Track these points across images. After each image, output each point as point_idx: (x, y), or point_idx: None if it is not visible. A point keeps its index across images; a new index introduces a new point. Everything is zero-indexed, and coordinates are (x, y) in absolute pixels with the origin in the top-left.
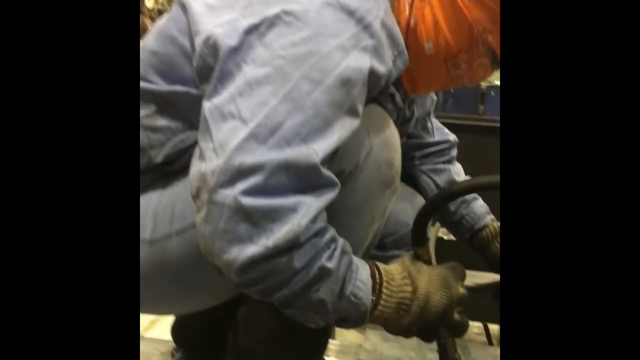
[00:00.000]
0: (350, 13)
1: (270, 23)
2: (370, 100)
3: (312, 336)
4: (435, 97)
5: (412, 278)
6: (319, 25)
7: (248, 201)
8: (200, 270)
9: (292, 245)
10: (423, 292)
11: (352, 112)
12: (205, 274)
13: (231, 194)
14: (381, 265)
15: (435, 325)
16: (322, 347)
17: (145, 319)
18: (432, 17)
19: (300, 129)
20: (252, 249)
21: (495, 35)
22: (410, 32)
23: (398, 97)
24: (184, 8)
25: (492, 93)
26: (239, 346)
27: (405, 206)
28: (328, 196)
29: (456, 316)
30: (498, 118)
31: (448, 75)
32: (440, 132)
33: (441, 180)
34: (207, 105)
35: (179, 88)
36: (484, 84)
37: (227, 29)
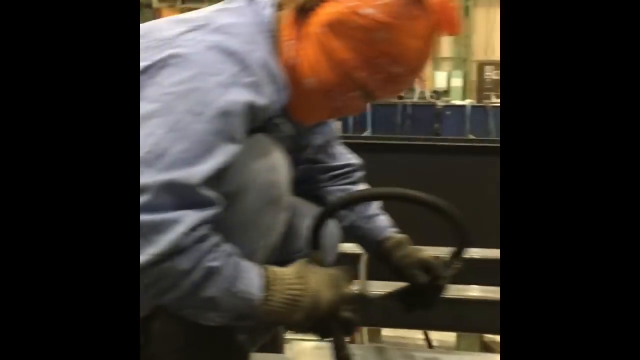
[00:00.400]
0: (231, 54)
1: (160, 65)
2: (257, 129)
3: (222, 348)
4: (336, 127)
5: (304, 277)
6: (202, 65)
7: None
8: None
9: (175, 251)
10: (313, 289)
11: (231, 139)
12: None
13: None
14: (272, 267)
15: (326, 320)
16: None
17: None
18: (310, 57)
19: (183, 154)
20: (140, 258)
21: (364, 71)
22: (292, 70)
23: (288, 127)
24: None
25: (448, 112)
26: (153, 357)
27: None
28: (210, 212)
29: (345, 314)
30: (454, 137)
31: (328, 106)
32: (345, 157)
33: None
34: None
35: None
36: (440, 104)
37: None
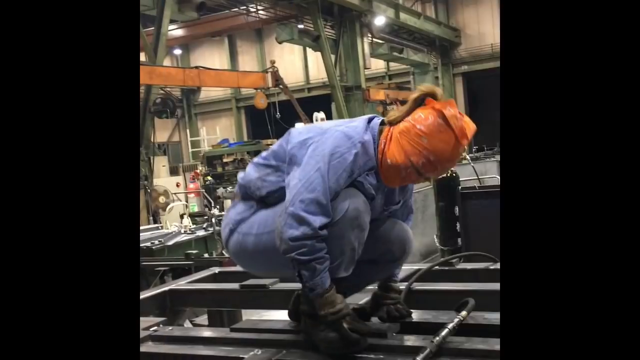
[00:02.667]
0: (349, 137)
1: (315, 141)
2: (352, 184)
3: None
4: (412, 188)
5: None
6: (333, 141)
7: (296, 212)
8: (274, 251)
9: (314, 236)
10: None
11: (338, 182)
12: (274, 253)
13: (292, 209)
14: (334, 292)
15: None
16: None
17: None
18: (393, 148)
19: (319, 185)
20: (294, 232)
21: (416, 158)
22: (382, 155)
23: (367, 185)
24: (289, 133)
25: None
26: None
27: (389, 235)
28: (329, 219)
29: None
30: None
31: (398, 176)
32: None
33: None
34: (288, 177)
35: (280, 164)
36: None
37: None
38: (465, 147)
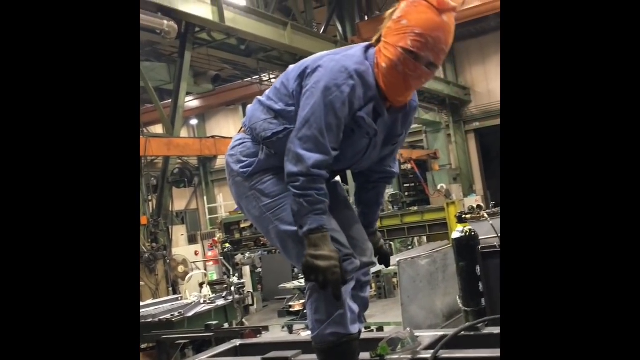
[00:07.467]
0: (345, 68)
1: (313, 71)
2: (353, 119)
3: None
4: (412, 121)
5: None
6: (330, 73)
7: (294, 149)
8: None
9: (302, 174)
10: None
11: (337, 117)
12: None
13: (291, 145)
14: (324, 234)
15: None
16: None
17: None
18: (383, 53)
19: (316, 122)
20: (292, 169)
21: (406, 40)
22: (379, 67)
23: (368, 120)
24: (286, 70)
25: None
26: None
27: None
28: (329, 157)
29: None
30: None
31: (400, 75)
32: (395, 166)
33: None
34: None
35: (283, 108)
36: None
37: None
38: (454, 13)
